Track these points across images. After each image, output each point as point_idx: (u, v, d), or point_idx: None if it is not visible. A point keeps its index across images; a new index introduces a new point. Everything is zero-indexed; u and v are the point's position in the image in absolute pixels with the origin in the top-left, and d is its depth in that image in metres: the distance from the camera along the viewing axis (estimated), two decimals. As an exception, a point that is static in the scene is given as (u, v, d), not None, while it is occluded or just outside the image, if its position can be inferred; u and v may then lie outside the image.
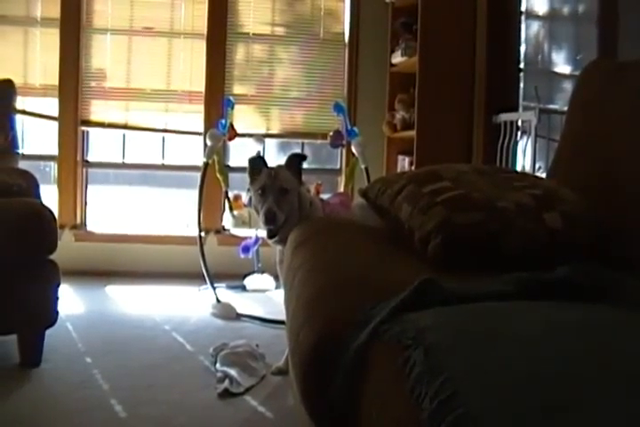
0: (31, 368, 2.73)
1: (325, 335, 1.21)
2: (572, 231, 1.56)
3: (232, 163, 4.86)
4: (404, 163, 4.55)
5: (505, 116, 3.73)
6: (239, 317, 3.73)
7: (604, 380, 0.78)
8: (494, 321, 0.99)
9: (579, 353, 0.85)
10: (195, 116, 4.88)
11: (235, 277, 4.50)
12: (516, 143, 3.63)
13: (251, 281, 4.51)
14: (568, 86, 4.16)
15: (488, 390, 0.78)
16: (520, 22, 4.09)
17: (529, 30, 4.27)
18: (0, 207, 2.66)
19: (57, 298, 2.79)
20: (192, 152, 4.94)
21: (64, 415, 2.30)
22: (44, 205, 2.78)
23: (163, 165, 5.06)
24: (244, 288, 4.47)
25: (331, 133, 4.27)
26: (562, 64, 4.41)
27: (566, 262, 1.30)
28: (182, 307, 3.96)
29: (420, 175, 1.87)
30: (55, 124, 4.82)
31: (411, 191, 1.75)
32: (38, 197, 3.01)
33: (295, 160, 2.79)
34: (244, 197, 4.10)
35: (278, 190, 2.65)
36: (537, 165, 3.38)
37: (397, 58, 4.54)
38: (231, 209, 4.17)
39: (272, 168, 2.73)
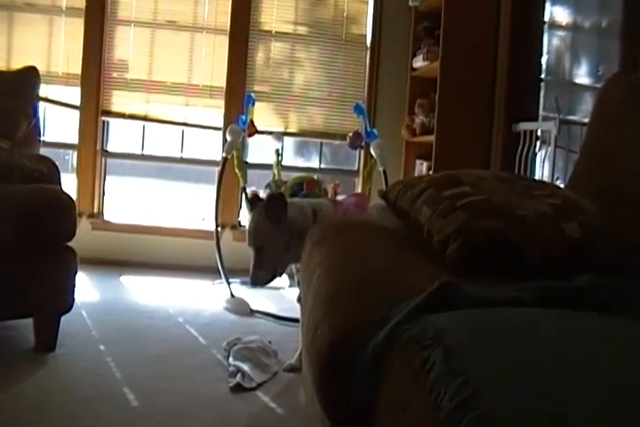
0: (46, 353, 2.76)
1: (343, 333, 1.22)
2: (591, 242, 1.55)
3: (251, 159, 4.88)
4: (421, 167, 4.54)
5: (525, 126, 3.71)
6: (252, 313, 3.74)
7: (621, 387, 0.79)
8: (514, 326, 1.00)
9: (597, 361, 0.86)
10: (215, 111, 4.89)
11: (249, 273, 4.47)
12: (534, 153, 3.62)
13: (264, 278, 4.50)
14: (589, 98, 4.14)
15: (508, 392, 0.79)
16: (543, 32, 4.08)
17: (551, 41, 4.26)
18: (21, 193, 2.69)
19: (74, 284, 2.82)
20: (211, 147, 4.95)
21: (77, 401, 2.33)
22: (64, 192, 2.80)
23: (181, 158, 5.08)
24: (257, 285, 4.46)
25: (350, 134, 4.29)
26: (583, 76, 4.39)
27: (584, 273, 1.31)
28: (196, 300, 3.97)
29: (440, 179, 1.87)
30: (76, 113, 4.85)
31: (431, 195, 1.75)
32: (59, 183, 3.02)
33: (274, 203, 2.69)
34: (262, 194, 4.11)
35: (255, 250, 2.69)
36: (555, 176, 3.37)
37: (419, 62, 4.54)
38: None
39: (252, 216, 2.74)
